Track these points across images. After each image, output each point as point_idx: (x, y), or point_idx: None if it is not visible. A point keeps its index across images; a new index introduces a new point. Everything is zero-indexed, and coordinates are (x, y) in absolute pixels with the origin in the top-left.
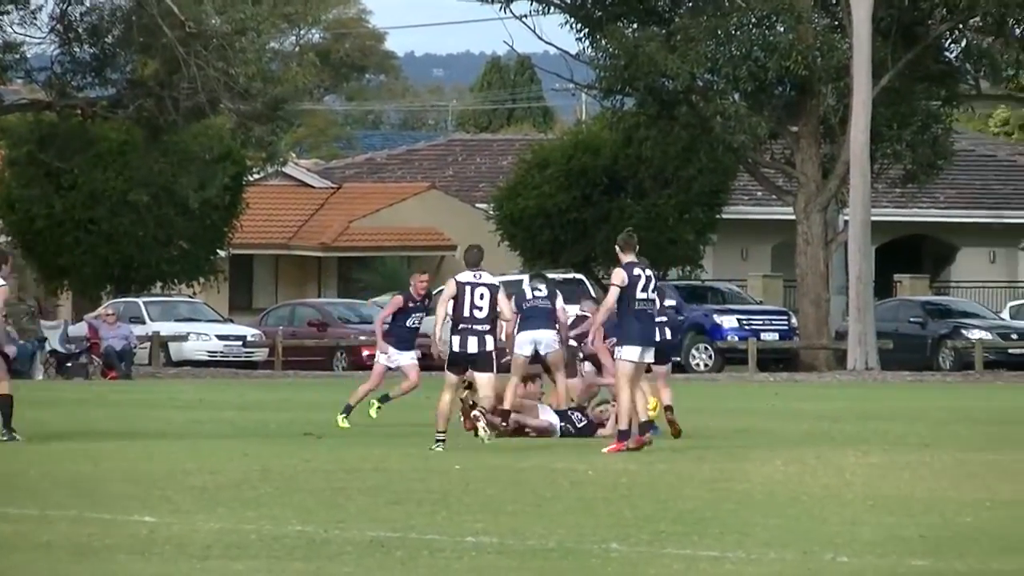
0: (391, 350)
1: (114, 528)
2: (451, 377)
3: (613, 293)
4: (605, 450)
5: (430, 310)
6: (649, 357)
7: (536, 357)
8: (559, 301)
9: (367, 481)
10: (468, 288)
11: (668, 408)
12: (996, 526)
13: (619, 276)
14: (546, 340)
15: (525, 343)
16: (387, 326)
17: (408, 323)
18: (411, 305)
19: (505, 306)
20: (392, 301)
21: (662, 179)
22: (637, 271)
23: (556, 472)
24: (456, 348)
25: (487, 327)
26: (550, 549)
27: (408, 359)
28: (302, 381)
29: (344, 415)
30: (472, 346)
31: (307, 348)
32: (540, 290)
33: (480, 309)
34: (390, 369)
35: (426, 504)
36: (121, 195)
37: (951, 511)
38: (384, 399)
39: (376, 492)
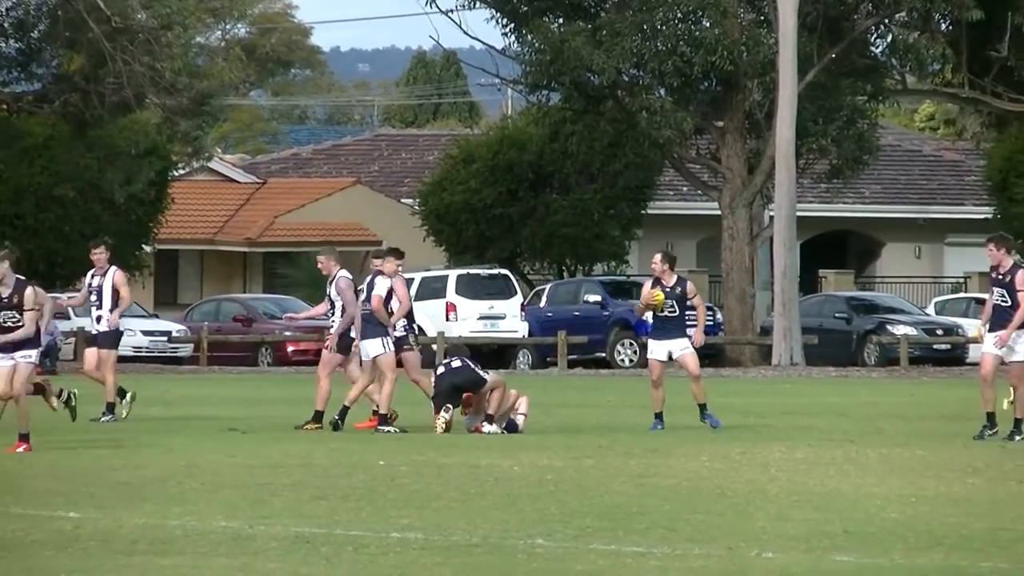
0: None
1: (38, 524)
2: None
3: None
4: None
5: None
6: None
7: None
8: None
9: (292, 477)
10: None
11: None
12: (921, 521)
13: None
14: (363, 348)
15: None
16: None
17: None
18: None
19: None
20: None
21: (588, 174)
22: None
23: (481, 468)
24: None
25: (100, 312)
26: (475, 544)
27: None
28: (227, 377)
29: None
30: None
31: (232, 344)
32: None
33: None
34: None
35: (351, 499)
36: (46, 190)
37: (876, 506)
38: None
39: (301, 488)
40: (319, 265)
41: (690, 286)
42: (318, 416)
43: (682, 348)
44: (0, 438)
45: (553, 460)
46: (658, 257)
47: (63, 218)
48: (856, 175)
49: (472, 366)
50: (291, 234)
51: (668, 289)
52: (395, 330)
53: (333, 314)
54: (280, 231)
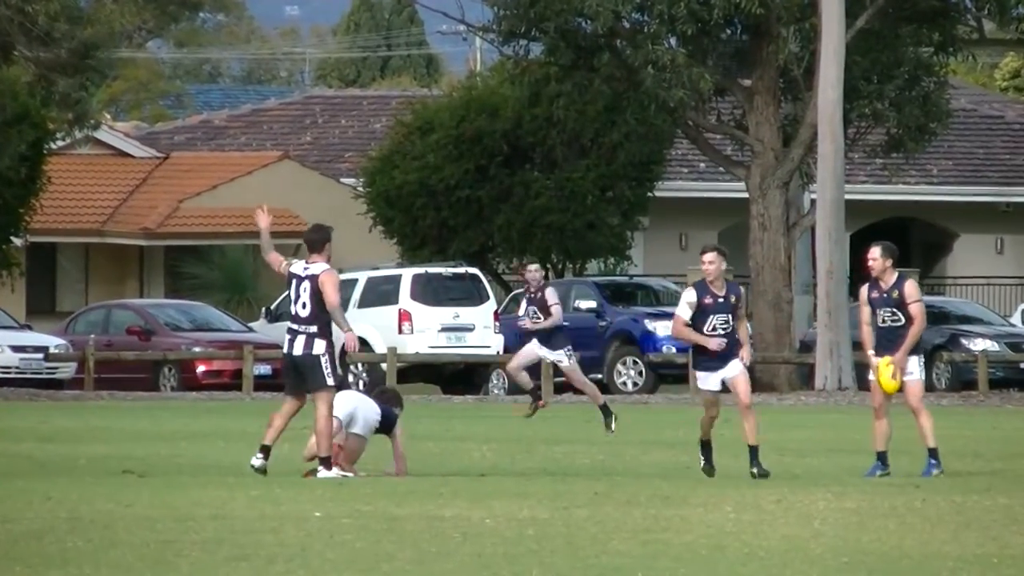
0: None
1: None
2: None
3: None
4: None
5: None
6: None
7: None
8: None
9: (203, 532)
10: None
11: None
12: None
13: None
14: None
15: None
16: None
17: None
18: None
19: None
20: None
21: (578, 147)
22: None
23: (444, 520)
24: None
25: None
26: None
27: None
28: (120, 404)
29: None
30: None
31: (126, 363)
32: None
33: None
34: None
35: (278, 561)
36: None
37: (948, 570)
38: None
39: (215, 546)
40: None
41: (909, 286)
42: None
43: (911, 373)
44: None
45: (536, 510)
46: (877, 250)
47: None
48: (921, 148)
49: (323, 360)
50: (200, 223)
51: (885, 295)
52: None
53: None
54: (186, 219)
